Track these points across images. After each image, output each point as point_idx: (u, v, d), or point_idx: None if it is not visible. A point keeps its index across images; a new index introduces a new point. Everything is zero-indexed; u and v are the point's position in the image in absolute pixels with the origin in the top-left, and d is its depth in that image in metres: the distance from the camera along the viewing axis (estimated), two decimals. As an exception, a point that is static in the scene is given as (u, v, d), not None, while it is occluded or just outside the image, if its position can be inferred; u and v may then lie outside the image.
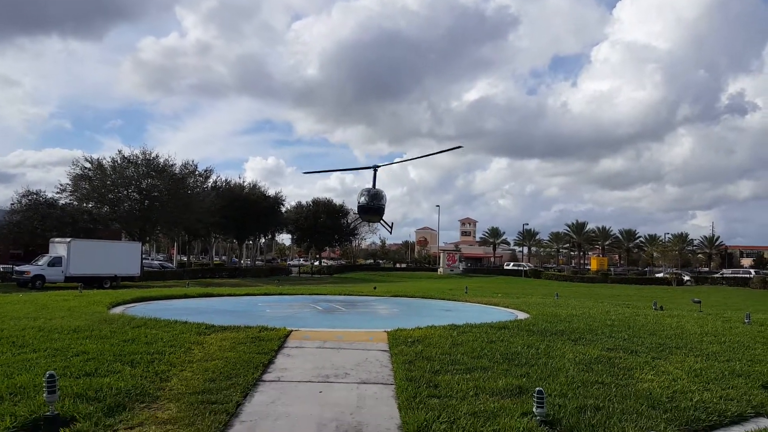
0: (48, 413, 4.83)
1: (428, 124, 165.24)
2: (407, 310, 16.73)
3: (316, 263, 71.09)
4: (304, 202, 73.57)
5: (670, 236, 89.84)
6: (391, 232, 26.01)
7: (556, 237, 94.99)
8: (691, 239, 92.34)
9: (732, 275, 60.01)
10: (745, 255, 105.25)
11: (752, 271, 63.53)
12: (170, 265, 60.19)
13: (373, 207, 22.54)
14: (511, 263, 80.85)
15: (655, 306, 17.12)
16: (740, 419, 5.58)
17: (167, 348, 7.88)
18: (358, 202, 22.72)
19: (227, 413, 5.22)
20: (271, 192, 64.70)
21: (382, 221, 23.90)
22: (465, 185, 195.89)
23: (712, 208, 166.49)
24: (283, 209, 67.53)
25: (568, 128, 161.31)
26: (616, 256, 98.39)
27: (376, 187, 22.76)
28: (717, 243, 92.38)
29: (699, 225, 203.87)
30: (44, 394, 4.96)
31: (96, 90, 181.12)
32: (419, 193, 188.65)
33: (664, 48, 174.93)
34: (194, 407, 5.34)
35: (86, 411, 5.03)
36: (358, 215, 23.71)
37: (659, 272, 64.84)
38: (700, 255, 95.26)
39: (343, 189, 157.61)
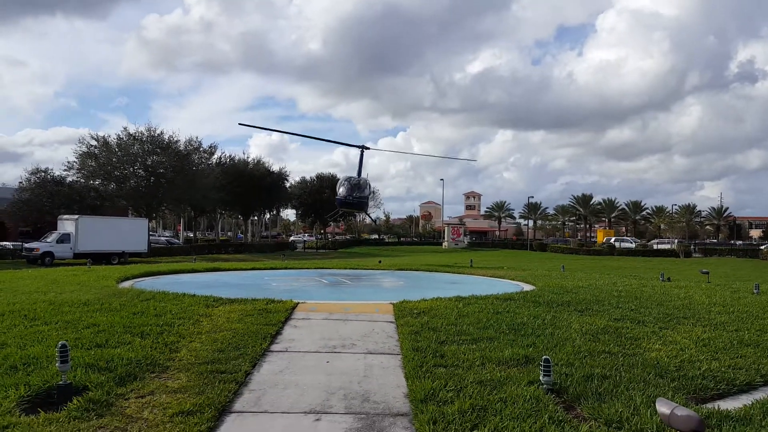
0: (61, 382, 4.90)
1: (431, 97, 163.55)
2: (412, 283, 16.82)
3: (320, 237, 71.56)
4: (308, 178, 73.43)
5: (678, 208, 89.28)
6: (375, 224, 25.05)
7: (561, 210, 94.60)
8: (699, 210, 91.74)
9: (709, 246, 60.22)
10: (754, 226, 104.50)
11: (671, 242, 62.88)
12: (177, 241, 60.61)
13: (352, 202, 20.24)
14: (612, 238, 70.64)
15: (663, 277, 17.07)
16: (749, 388, 5.56)
17: (176, 320, 7.96)
18: (337, 193, 20.80)
19: (236, 382, 5.29)
20: (276, 168, 64.66)
21: (366, 214, 22.51)
22: (469, 157, 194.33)
23: (721, 179, 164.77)
24: (288, 185, 67.46)
25: (573, 99, 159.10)
26: (623, 229, 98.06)
27: (360, 176, 21.34)
28: (725, 214, 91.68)
29: (707, 196, 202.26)
30: (57, 364, 5.01)
31: (101, 68, 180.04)
32: (423, 167, 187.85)
33: (671, 15, 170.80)
34: (204, 377, 5.41)
35: (98, 380, 5.11)
36: (337, 207, 21.72)
37: (664, 244, 64.28)
38: (708, 226, 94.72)
39: (347, 164, 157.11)
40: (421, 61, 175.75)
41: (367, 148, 21.88)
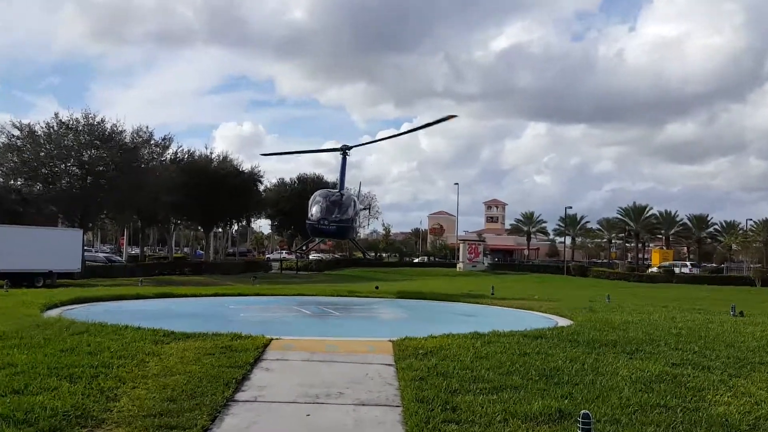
0: (-34, 439, 4.86)
1: (444, 80, 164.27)
2: (418, 315, 16.88)
3: (298, 255, 71.97)
4: (288, 180, 73.88)
5: (754, 223, 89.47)
6: (365, 257, 23.22)
7: (607, 224, 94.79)
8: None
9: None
10: None
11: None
12: (119, 258, 60.67)
13: (329, 228, 18.92)
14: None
15: (734, 311, 17.11)
16: (841, 453, 5.56)
17: (115, 360, 7.96)
18: (309, 215, 19.61)
19: (191, 441, 5.26)
20: (247, 166, 64.89)
21: (352, 241, 21.23)
22: (492, 158, 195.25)
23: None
24: (261, 188, 67.82)
25: (624, 84, 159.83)
26: (684, 249, 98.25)
27: (342, 189, 20.47)
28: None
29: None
30: (-40, 416, 4.97)
31: (30, 41, 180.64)
32: (433, 168, 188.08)
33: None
34: (149, 433, 5.37)
35: (14, 437, 5.06)
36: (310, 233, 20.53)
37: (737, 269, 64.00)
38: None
39: (337, 163, 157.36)
40: (433, 36, 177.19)
41: (349, 149, 21.12)
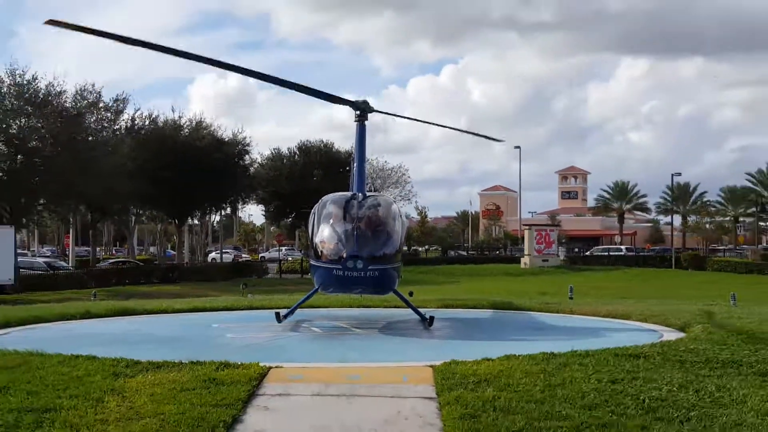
0: None
1: (505, 4, 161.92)
2: (468, 330, 16.92)
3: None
4: (285, 150, 73.62)
5: None
6: (428, 320, 17.25)
7: (732, 196, 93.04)
8: None
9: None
10: None
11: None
12: (64, 264, 61.30)
13: (366, 276, 15.27)
14: None
15: None
16: None
17: (64, 400, 8.05)
18: (315, 247, 16.76)
19: None
20: (229, 133, 65.32)
21: (397, 294, 18.25)
22: (569, 109, 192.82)
23: None
24: (249, 162, 68.39)
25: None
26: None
27: (374, 196, 19.49)
28: None
29: None
30: None
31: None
32: (487, 125, 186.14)
33: None
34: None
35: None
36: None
37: None
38: None
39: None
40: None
41: (368, 110, 18.52)
